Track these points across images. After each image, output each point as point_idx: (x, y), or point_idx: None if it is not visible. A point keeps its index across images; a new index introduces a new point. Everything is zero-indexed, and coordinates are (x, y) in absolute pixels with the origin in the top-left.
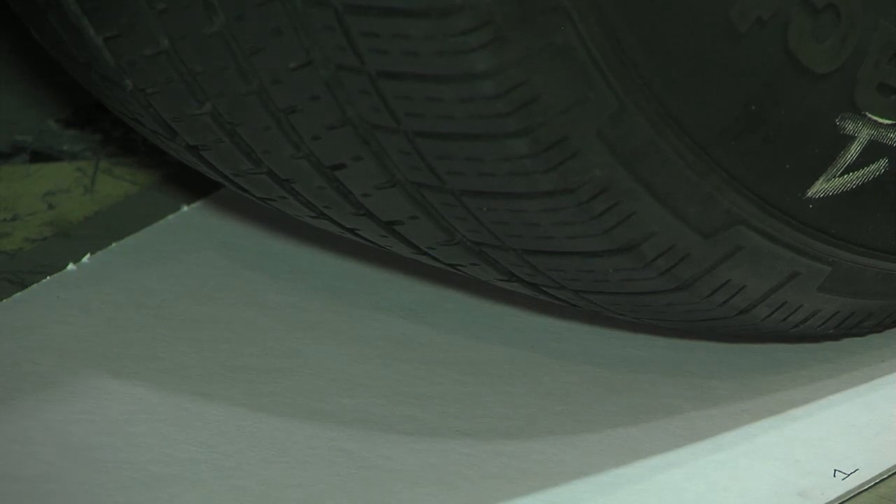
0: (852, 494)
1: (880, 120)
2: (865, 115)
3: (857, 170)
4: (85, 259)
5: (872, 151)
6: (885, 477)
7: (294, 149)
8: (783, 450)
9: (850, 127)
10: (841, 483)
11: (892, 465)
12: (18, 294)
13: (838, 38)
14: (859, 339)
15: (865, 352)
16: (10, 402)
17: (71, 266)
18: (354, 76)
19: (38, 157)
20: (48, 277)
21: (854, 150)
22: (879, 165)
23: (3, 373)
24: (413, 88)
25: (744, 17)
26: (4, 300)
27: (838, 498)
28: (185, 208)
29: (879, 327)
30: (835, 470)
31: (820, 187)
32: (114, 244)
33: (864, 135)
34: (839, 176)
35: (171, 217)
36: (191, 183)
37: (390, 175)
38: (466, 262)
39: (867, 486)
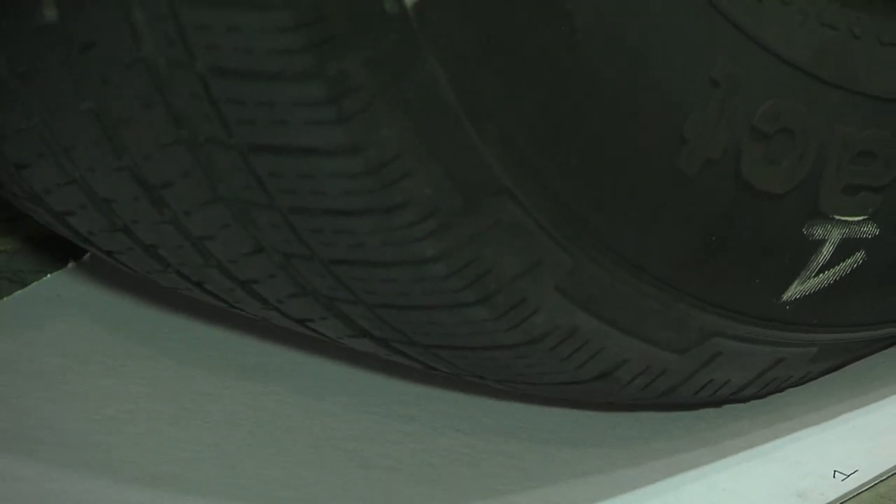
0: (852, 495)
1: (850, 219)
2: (834, 218)
3: (833, 267)
4: (85, 258)
5: (847, 248)
6: (884, 477)
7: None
8: (782, 450)
9: (819, 232)
10: (840, 484)
11: (892, 465)
12: (19, 292)
13: (795, 156)
14: None
15: None
16: (10, 401)
17: (71, 264)
18: (306, 262)
19: None
20: (48, 276)
21: (827, 251)
22: (856, 258)
23: (2, 371)
24: (366, 272)
25: (692, 162)
26: (5, 298)
27: (838, 499)
28: None
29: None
30: (834, 471)
31: (795, 290)
32: None
33: (835, 236)
34: (814, 276)
35: None
36: None
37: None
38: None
39: (867, 487)
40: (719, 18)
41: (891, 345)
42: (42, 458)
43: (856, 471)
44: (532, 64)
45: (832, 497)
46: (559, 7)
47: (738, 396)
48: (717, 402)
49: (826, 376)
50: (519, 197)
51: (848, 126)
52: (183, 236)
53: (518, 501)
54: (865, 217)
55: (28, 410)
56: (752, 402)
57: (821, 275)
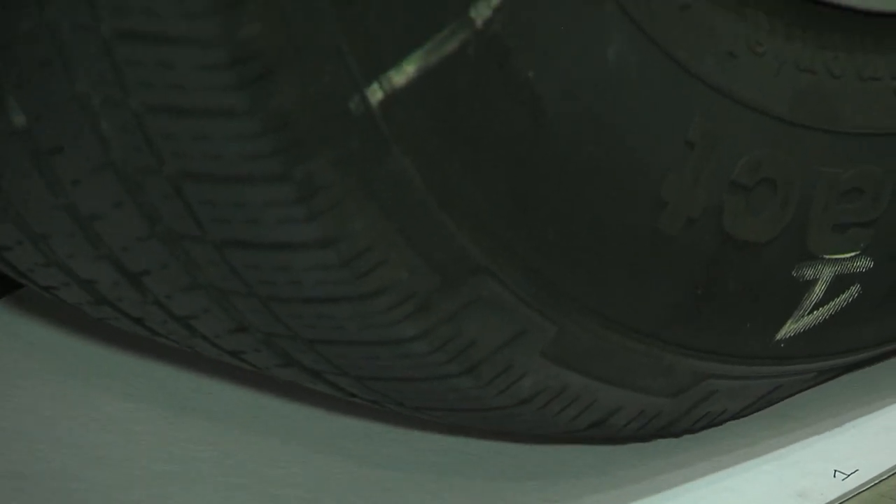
0: (852, 494)
1: (842, 256)
2: (824, 258)
3: (828, 303)
4: None
5: (840, 284)
6: (885, 477)
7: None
8: (783, 450)
9: (809, 273)
10: (841, 483)
11: (892, 465)
12: (19, 291)
13: (777, 204)
14: None
15: None
16: (11, 400)
17: None
18: (289, 341)
19: None
20: None
21: (819, 290)
22: (851, 292)
23: (3, 370)
24: (348, 350)
25: (673, 223)
26: (5, 297)
27: (838, 498)
28: None
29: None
30: (835, 470)
31: (789, 329)
32: None
33: (826, 274)
34: (808, 314)
35: None
36: None
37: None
38: None
39: (868, 486)
40: (693, 81)
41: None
42: (42, 456)
43: (856, 470)
44: (500, 148)
45: (832, 496)
46: (526, 92)
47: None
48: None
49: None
50: (497, 274)
51: (833, 167)
52: (166, 314)
53: (518, 501)
54: (858, 252)
55: (29, 408)
56: None
57: (815, 312)
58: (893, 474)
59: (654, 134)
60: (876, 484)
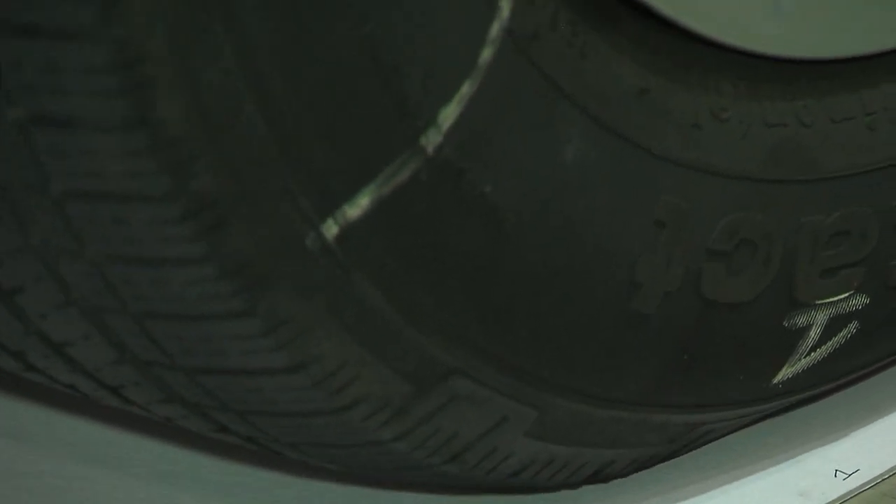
0: (853, 494)
1: (834, 299)
2: (816, 304)
3: (825, 344)
4: None
5: (837, 324)
6: (887, 476)
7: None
8: (784, 450)
9: (802, 321)
10: (842, 483)
11: (893, 464)
12: None
13: (760, 263)
14: None
15: None
16: (12, 399)
17: None
18: (273, 443)
19: None
20: None
21: (815, 334)
22: (849, 329)
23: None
24: (332, 451)
25: (649, 302)
26: None
27: (839, 498)
28: None
29: None
30: (836, 470)
31: (786, 372)
32: None
33: (820, 319)
34: (805, 357)
35: None
36: None
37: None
38: None
39: (869, 485)
40: (657, 162)
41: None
42: (44, 456)
43: (857, 470)
44: (463, 262)
45: (833, 496)
46: (484, 206)
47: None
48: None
49: None
50: (471, 374)
51: (815, 215)
52: (146, 414)
53: (518, 501)
54: (851, 292)
55: (29, 408)
56: None
57: (812, 354)
58: (894, 473)
59: (621, 222)
60: (877, 483)
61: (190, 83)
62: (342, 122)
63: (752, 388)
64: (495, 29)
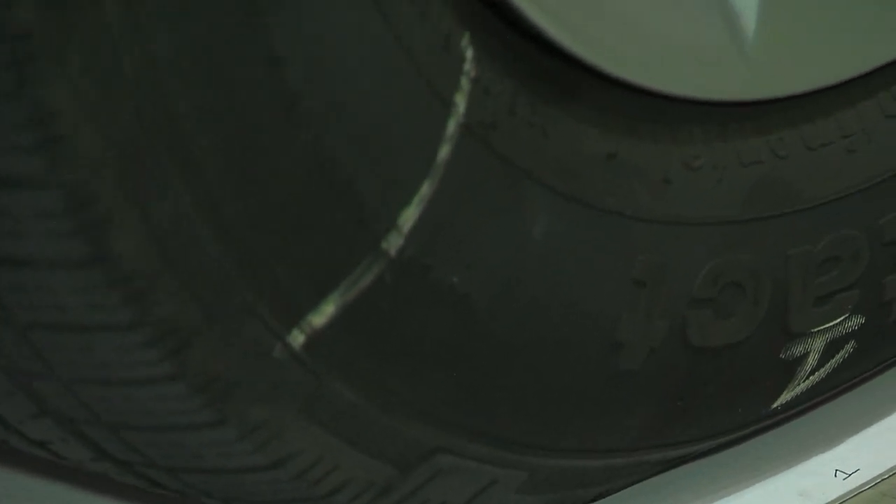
0: (853, 494)
1: (830, 324)
2: (811, 332)
3: (824, 365)
4: None
5: (834, 346)
6: (886, 476)
7: None
8: (784, 450)
9: (799, 350)
10: (842, 483)
11: (893, 464)
12: None
13: (749, 303)
14: None
15: None
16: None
17: None
18: None
19: None
20: None
21: (813, 360)
22: (847, 349)
23: None
24: None
25: (633, 359)
26: None
27: (839, 497)
28: None
29: None
30: (836, 470)
31: (785, 397)
32: None
33: (818, 344)
34: (804, 381)
35: None
36: None
37: None
38: None
39: (869, 485)
40: (630, 223)
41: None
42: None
43: (857, 470)
44: (436, 351)
45: (833, 496)
46: (452, 296)
47: None
48: None
49: None
50: (454, 450)
51: (803, 246)
52: None
53: None
54: (847, 315)
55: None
56: None
57: (811, 377)
58: (894, 473)
59: (598, 287)
60: (877, 483)
61: (142, 217)
62: (299, 237)
63: (751, 415)
64: (451, 126)
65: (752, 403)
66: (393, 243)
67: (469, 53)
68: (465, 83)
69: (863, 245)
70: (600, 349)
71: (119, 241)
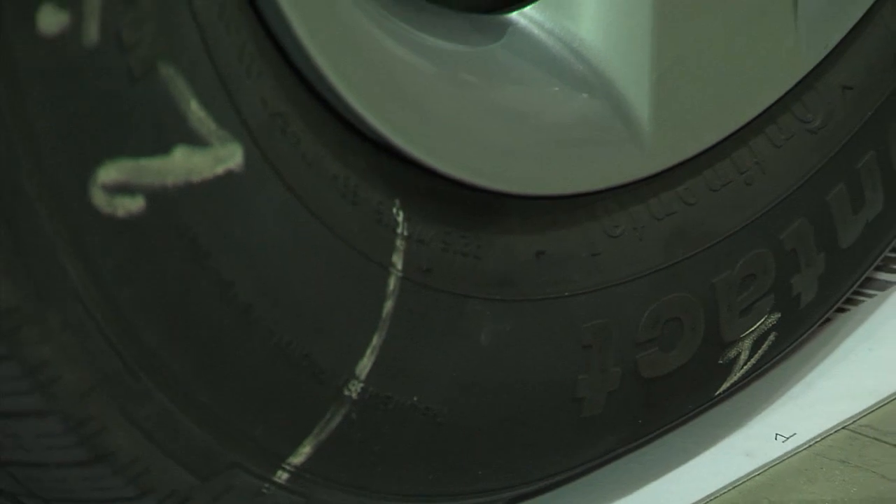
0: (791, 454)
1: (755, 326)
2: (741, 337)
3: (754, 356)
4: None
5: (760, 341)
6: (819, 439)
7: None
8: (732, 418)
9: (732, 352)
10: (781, 445)
11: (824, 429)
12: None
13: (688, 331)
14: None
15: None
16: None
17: None
18: None
19: None
20: None
21: (744, 356)
22: (769, 340)
23: None
24: None
25: (594, 406)
26: None
27: (779, 458)
28: None
29: None
30: (776, 434)
31: (724, 386)
32: None
33: (746, 345)
34: (740, 371)
35: None
36: None
37: None
38: None
39: (804, 447)
40: (572, 300)
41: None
42: None
43: (794, 434)
44: (409, 455)
45: (774, 456)
46: (417, 410)
47: None
48: None
49: None
50: None
51: (723, 273)
52: None
53: None
54: (766, 315)
55: None
56: None
57: (744, 367)
58: (825, 437)
59: (551, 364)
60: (811, 445)
61: (131, 421)
62: (270, 407)
63: (697, 405)
64: (392, 283)
65: (698, 398)
66: (354, 389)
67: (401, 216)
68: (400, 243)
69: (770, 259)
70: (563, 409)
71: (115, 442)
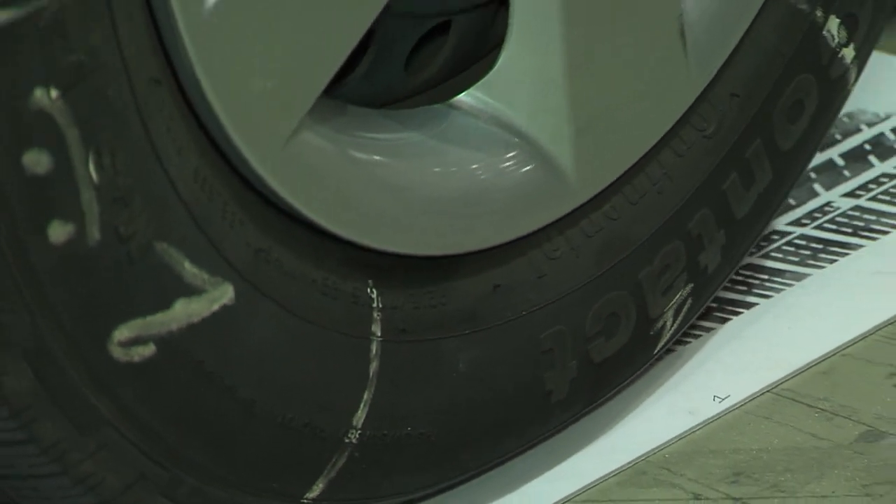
0: (726, 413)
1: (675, 301)
2: (664, 311)
3: (676, 321)
4: None
5: (679, 309)
6: (749, 400)
7: None
8: (675, 381)
9: (660, 324)
10: (718, 404)
11: (752, 392)
12: None
13: (624, 320)
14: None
15: (738, 310)
16: None
17: None
18: None
19: None
20: None
21: (668, 325)
22: (686, 307)
23: None
24: None
25: (561, 392)
26: None
27: (716, 415)
28: None
29: None
30: (714, 396)
31: (657, 349)
32: None
33: (670, 315)
34: (668, 333)
35: None
36: None
37: None
38: None
39: (736, 407)
40: (531, 317)
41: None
42: None
43: (728, 395)
44: (413, 473)
45: (712, 413)
46: (413, 437)
47: None
48: None
49: (704, 330)
50: None
51: (646, 268)
52: None
53: None
54: (682, 288)
55: None
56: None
57: (669, 332)
58: (753, 399)
59: (521, 371)
60: (741, 405)
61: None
62: (282, 468)
63: (637, 369)
64: (375, 347)
65: (638, 364)
66: (353, 436)
67: (375, 293)
68: (377, 315)
69: (681, 247)
70: (536, 402)
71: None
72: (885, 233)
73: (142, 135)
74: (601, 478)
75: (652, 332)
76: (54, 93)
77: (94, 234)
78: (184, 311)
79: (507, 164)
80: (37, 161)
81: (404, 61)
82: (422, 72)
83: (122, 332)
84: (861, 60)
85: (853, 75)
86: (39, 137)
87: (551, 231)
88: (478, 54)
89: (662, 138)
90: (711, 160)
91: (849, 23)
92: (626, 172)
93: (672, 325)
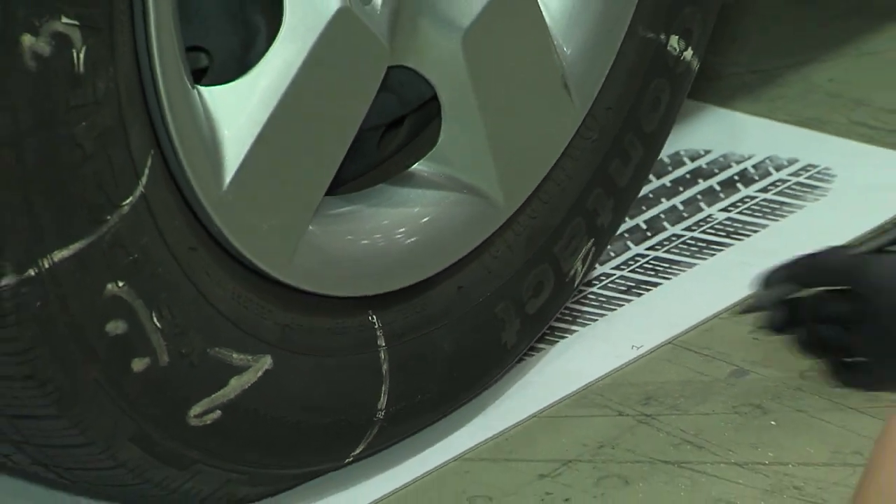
0: (641, 357)
1: (578, 255)
2: (575, 266)
3: (582, 269)
4: None
5: (584, 260)
6: (659, 347)
7: None
8: (606, 336)
9: (564, 271)
10: (636, 351)
11: (658, 343)
12: None
13: (548, 281)
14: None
15: (649, 288)
16: None
17: None
18: None
19: None
20: None
21: (579, 271)
22: (588, 259)
23: None
24: None
25: (511, 337)
26: None
27: (634, 359)
28: None
29: None
30: (632, 345)
31: (573, 289)
32: None
33: (578, 264)
34: (577, 280)
35: None
36: None
37: None
38: None
39: (647, 354)
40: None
41: None
42: None
43: (642, 345)
44: None
45: (631, 357)
46: (427, 399)
47: None
48: None
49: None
50: None
51: (559, 242)
52: None
53: None
54: (586, 245)
55: None
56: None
57: (578, 276)
58: (659, 348)
59: (487, 339)
60: (651, 353)
61: None
62: (331, 449)
63: (562, 306)
64: (383, 354)
65: (561, 302)
66: (380, 415)
67: (375, 318)
68: (379, 332)
69: (583, 221)
70: (498, 353)
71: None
72: (749, 236)
73: (188, 286)
74: (557, 401)
75: (567, 280)
76: (121, 283)
77: (164, 358)
78: (237, 384)
79: (457, 206)
80: (116, 326)
81: (377, 143)
82: (388, 146)
83: (195, 410)
84: (699, 54)
85: (695, 64)
86: (115, 312)
87: (493, 239)
88: (424, 130)
89: (561, 154)
90: (598, 158)
91: (685, 35)
92: (538, 185)
93: (582, 269)
